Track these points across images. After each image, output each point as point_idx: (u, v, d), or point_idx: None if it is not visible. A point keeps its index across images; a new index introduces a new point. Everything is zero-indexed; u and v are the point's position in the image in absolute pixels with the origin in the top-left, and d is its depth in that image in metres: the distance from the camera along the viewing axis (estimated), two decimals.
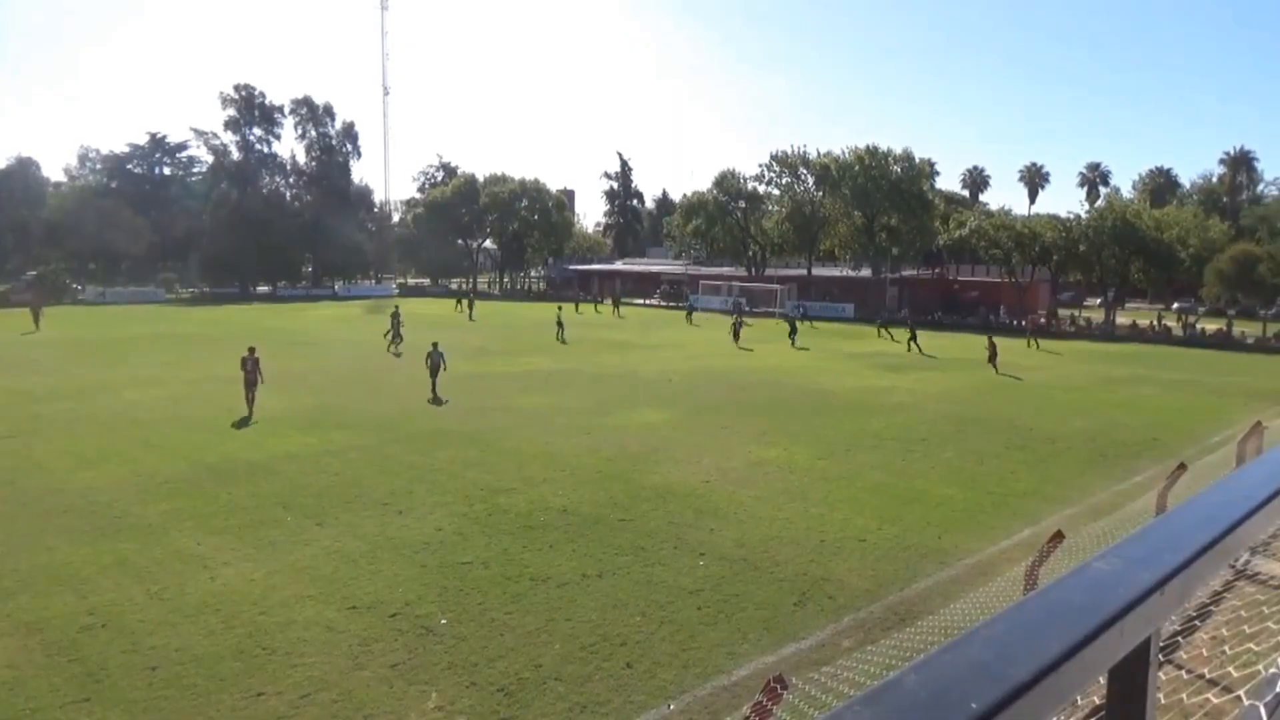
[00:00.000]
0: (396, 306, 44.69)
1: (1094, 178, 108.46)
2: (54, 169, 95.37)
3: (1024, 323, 51.67)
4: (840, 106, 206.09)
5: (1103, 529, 11.39)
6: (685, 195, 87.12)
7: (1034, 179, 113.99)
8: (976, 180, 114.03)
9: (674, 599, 10.44)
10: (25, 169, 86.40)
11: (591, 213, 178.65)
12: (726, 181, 79.65)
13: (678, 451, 18.35)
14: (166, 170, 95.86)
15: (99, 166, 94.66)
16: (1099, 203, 67.85)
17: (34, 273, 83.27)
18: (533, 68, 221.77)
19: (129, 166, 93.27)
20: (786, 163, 75.38)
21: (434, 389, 25.52)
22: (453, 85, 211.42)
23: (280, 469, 16.58)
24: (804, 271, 76.54)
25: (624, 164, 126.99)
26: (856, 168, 69.65)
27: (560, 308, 48.80)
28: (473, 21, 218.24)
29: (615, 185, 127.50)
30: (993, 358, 33.34)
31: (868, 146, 70.47)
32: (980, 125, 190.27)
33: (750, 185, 79.24)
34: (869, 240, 71.53)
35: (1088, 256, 59.73)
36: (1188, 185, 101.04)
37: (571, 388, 27.40)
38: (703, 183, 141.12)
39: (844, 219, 73.48)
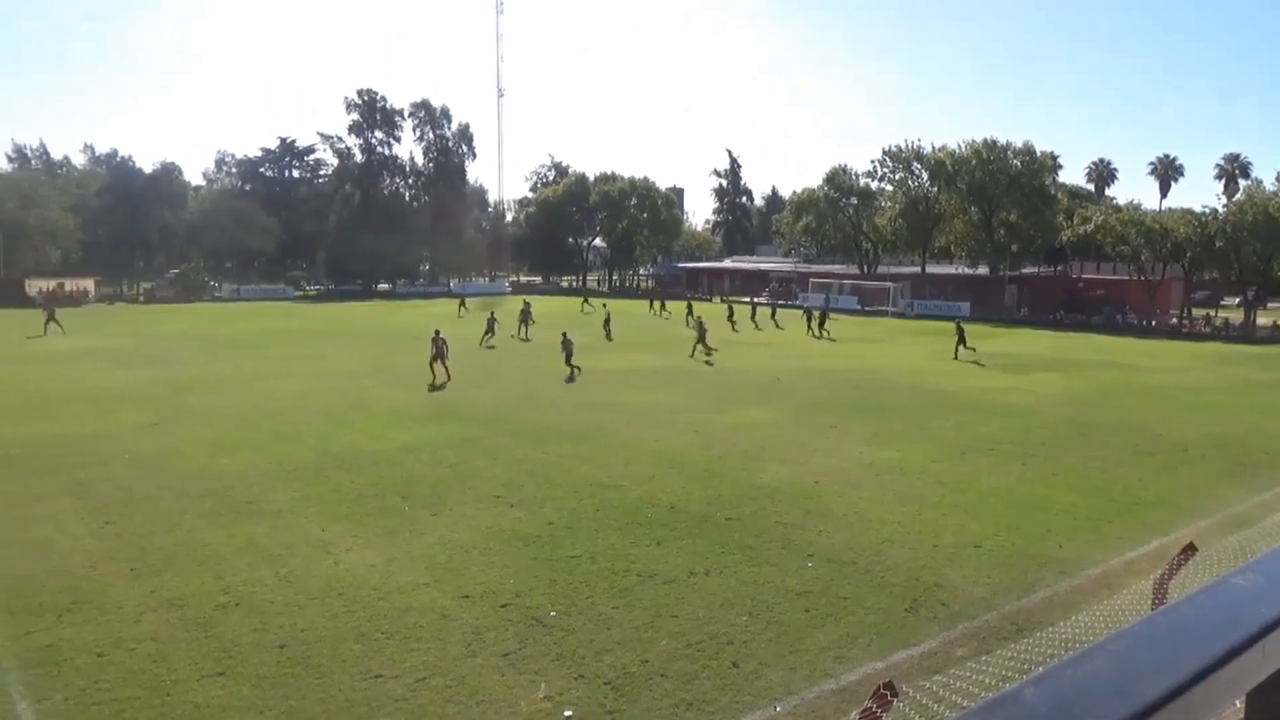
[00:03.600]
0: (492, 311, 46.32)
1: (1233, 170, 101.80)
2: (194, 173, 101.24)
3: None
4: (955, 100, 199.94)
5: (1241, 542, 10.75)
6: (795, 192, 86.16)
7: (1166, 172, 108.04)
8: (1103, 174, 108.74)
9: (781, 600, 10.37)
10: (169, 173, 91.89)
11: (700, 210, 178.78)
12: (838, 178, 78.33)
13: (786, 451, 18.18)
14: (295, 173, 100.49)
15: (234, 170, 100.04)
16: (1238, 196, 63.62)
17: (177, 270, 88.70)
18: (643, 66, 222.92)
19: (261, 170, 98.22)
20: (900, 158, 73.59)
21: (571, 368, 28.74)
22: (565, 85, 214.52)
23: (399, 460, 17.20)
24: (917, 269, 74.62)
25: (733, 161, 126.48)
26: (974, 162, 67.39)
27: (691, 304, 49.17)
28: (584, 22, 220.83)
29: (724, 182, 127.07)
30: None
31: (985, 140, 68.14)
32: (1107, 116, 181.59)
33: (862, 181, 77.73)
34: (986, 237, 69.19)
35: (1225, 253, 56.10)
36: None
37: (679, 385, 27.46)
38: (813, 179, 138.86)
39: (960, 215, 71.28)
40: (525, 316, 44.26)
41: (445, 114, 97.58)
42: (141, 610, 9.97)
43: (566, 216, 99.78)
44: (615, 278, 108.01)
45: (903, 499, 14.72)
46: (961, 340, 35.77)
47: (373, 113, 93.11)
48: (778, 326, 49.70)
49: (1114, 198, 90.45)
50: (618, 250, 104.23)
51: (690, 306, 48.28)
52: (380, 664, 8.72)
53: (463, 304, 60.21)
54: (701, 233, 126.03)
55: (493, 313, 44.60)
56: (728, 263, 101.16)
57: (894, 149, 73.79)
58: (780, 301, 69.18)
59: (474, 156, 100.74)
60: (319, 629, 9.51)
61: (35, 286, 70.31)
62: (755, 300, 56.32)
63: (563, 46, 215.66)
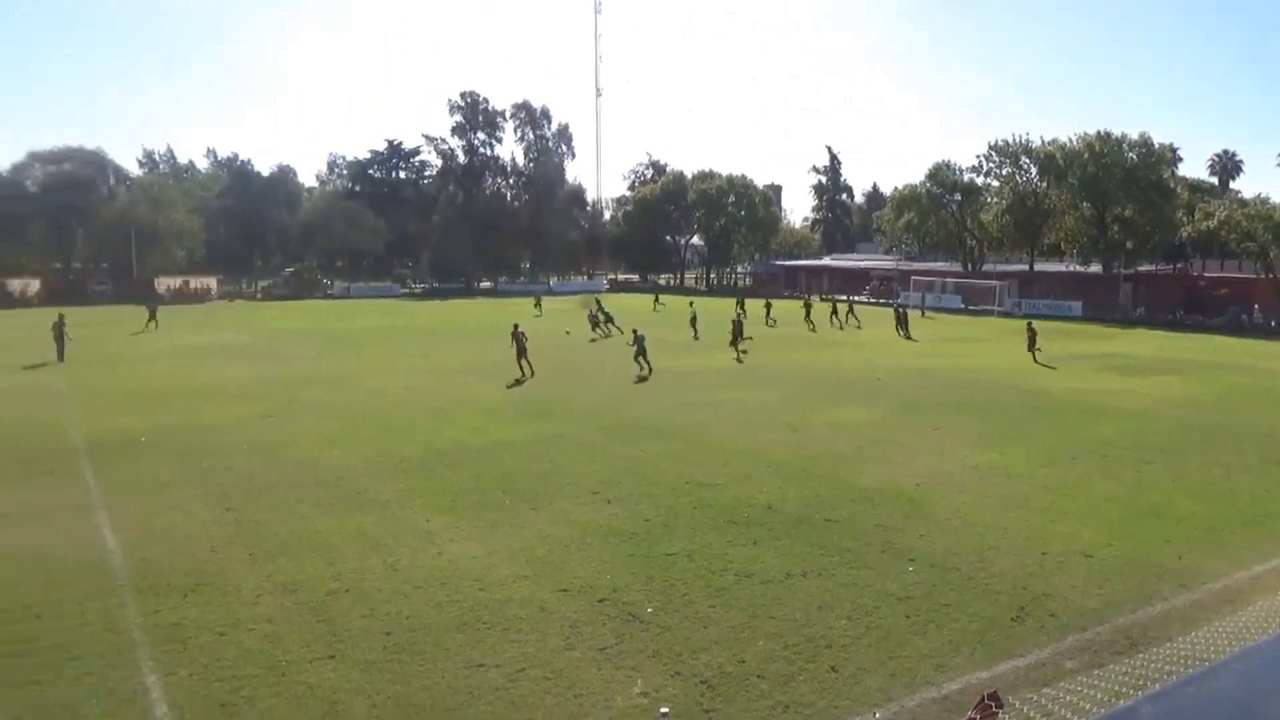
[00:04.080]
0: (597, 301, 47.10)
1: None
2: (308, 175, 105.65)
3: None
4: (1063, 92, 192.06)
5: None
6: (897, 188, 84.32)
7: None
8: (1227, 166, 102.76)
9: (881, 604, 10.20)
10: (285, 176, 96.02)
11: (799, 208, 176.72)
12: (941, 173, 76.26)
13: (886, 452, 17.85)
14: (402, 174, 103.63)
15: (344, 172, 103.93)
16: None
17: (291, 269, 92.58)
18: (741, 63, 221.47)
19: (369, 171, 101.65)
20: (1007, 152, 71.14)
21: (642, 367, 28.32)
22: (663, 84, 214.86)
23: (500, 455, 17.59)
24: (1025, 267, 72.11)
25: (833, 158, 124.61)
26: (1085, 155, 64.52)
27: (769, 303, 48.74)
28: (682, 20, 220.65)
29: (824, 179, 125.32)
30: None
31: (1099, 132, 65.19)
32: (1232, 106, 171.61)
33: (967, 177, 75.48)
34: (1099, 233, 66.34)
35: None
36: None
37: (776, 383, 27.24)
38: (915, 175, 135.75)
39: (1071, 211, 68.49)
40: (595, 320, 44.94)
41: (545, 114, 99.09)
42: (259, 593, 10.48)
43: (664, 215, 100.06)
44: (713, 276, 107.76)
45: (1009, 504, 14.28)
46: (1032, 342, 34.20)
47: (475, 114, 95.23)
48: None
49: (1239, 191, 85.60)
50: (715, 248, 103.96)
51: (741, 303, 47.66)
52: (481, 653, 8.95)
53: (538, 304, 59.67)
54: (800, 230, 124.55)
55: (594, 309, 45.45)
56: (827, 260, 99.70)
57: (1001, 143, 71.44)
58: (874, 300, 67.96)
59: (573, 156, 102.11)
60: (423, 617, 9.81)
61: (163, 284, 74.39)
62: (838, 299, 55.21)
63: (660, 44, 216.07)
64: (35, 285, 72.16)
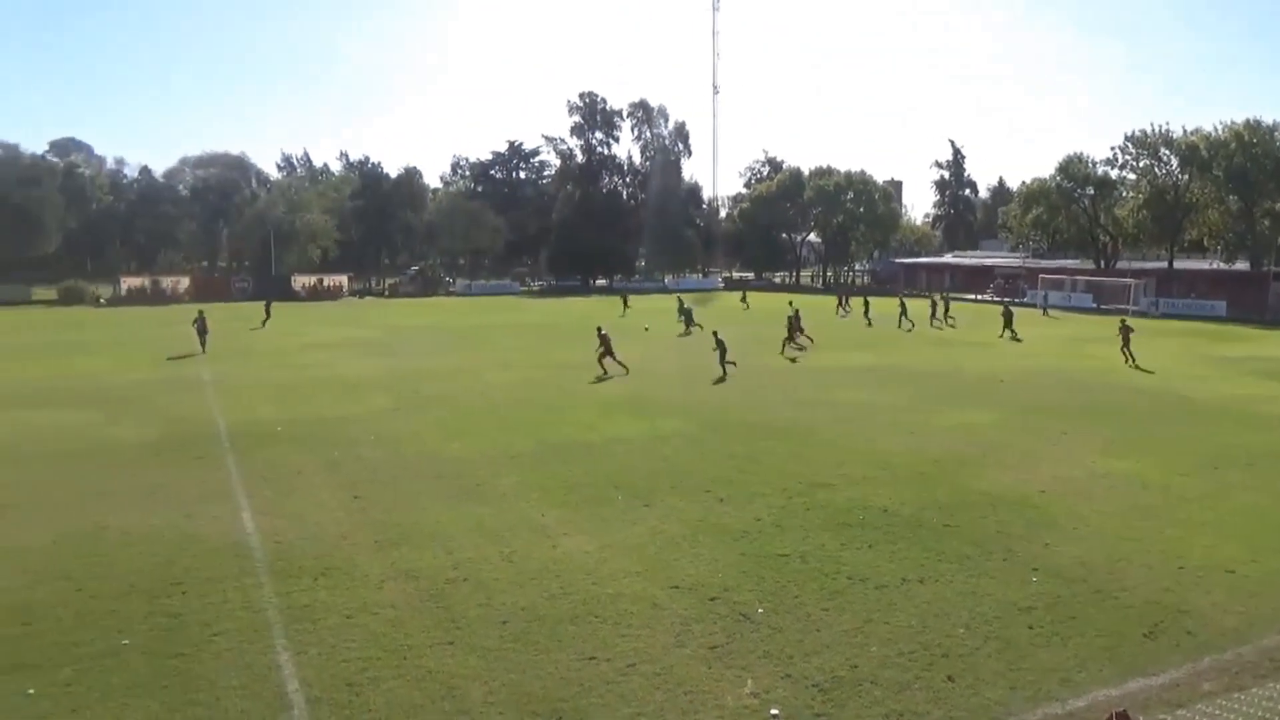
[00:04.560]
0: (680, 299, 47.47)
1: None
2: (432, 176, 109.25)
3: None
4: (1204, 80, 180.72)
5: None
6: (1024, 183, 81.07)
7: None
8: None
9: (1002, 614, 9.85)
10: (411, 178, 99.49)
11: (920, 204, 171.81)
12: (1072, 167, 72.87)
13: (1009, 456, 17.22)
14: (522, 174, 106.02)
15: (467, 173, 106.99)
16: None
17: (416, 267, 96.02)
18: (860, 58, 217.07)
19: (491, 172, 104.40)
20: (1144, 143, 67.40)
21: (724, 370, 27.67)
22: (780, 80, 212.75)
23: (613, 451, 17.79)
24: (1164, 264, 68.19)
25: (956, 152, 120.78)
26: (1233, 145, 60.48)
27: (903, 301, 47.65)
28: (800, 15, 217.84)
29: (946, 174, 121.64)
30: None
31: (1247, 121, 61.05)
32: None
33: (1100, 170, 71.93)
34: (1247, 228, 62.16)
35: None
36: None
37: (893, 384, 26.63)
38: (1044, 169, 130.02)
39: (1215, 204, 64.44)
40: (689, 317, 44.86)
41: (662, 113, 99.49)
42: (383, 579, 10.92)
43: (780, 212, 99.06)
44: (829, 273, 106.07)
45: (1142, 514, 13.56)
46: (1126, 341, 32.01)
47: (593, 114, 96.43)
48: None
49: None
50: (832, 246, 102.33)
51: (840, 298, 46.65)
52: (593, 646, 9.08)
53: (625, 302, 58.09)
54: (921, 227, 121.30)
55: (681, 299, 45.83)
56: (948, 258, 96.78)
57: (1138, 134, 67.75)
58: (998, 299, 65.43)
59: (689, 154, 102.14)
60: (538, 608, 10.03)
61: (299, 282, 78.25)
62: (935, 296, 53.37)
63: (778, 41, 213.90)
64: (185, 283, 76.95)
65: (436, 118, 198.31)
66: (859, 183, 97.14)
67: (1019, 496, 14.42)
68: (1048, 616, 9.79)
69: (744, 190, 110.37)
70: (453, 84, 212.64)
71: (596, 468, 16.40)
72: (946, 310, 49.41)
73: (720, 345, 28.20)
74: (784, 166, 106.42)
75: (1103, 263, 73.17)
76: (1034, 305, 61.15)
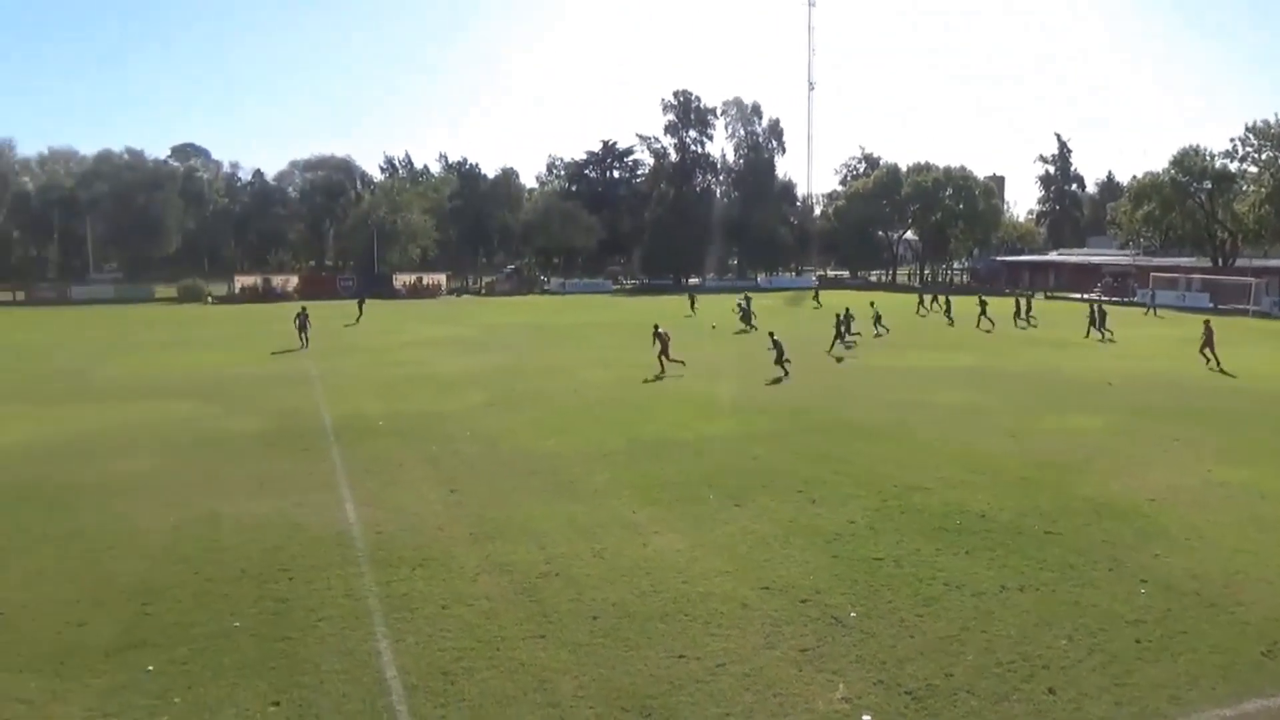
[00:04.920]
0: (746, 298, 49.09)
1: None
2: (529, 176, 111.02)
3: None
4: None
5: None
6: (1135, 177, 77.52)
7: None
8: None
9: (1107, 626, 9.47)
10: (508, 178, 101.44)
11: (1023, 200, 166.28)
12: (1187, 160, 69.36)
13: (1116, 463, 16.52)
14: (616, 173, 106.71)
15: (562, 173, 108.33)
16: None
17: (512, 266, 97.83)
18: (960, 50, 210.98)
19: (585, 171, 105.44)
20: (1267, 134, 63.72)
21: (784, 371, 27.24)
22: (877, 75, 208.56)
23: (705, 449, 17.78)
24: None
25: (1062, 145, 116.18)
26: None
27: (982, 300, 46.35)
28: (897, 8, 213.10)
29: (1051, 169, 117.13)
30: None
31: None
32: None
33: (1219, 163, 68.24)
34: None
35: None
36: None
37: (994, 386, 25.86)
38: (1157, 162, 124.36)
39: None
40: (746, 311, 45.05)
41: (756, 110, 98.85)
42: (478, 572, 11.17)
43: (876, 209, 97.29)
44: (926, 272, 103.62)
45: (1260, 525, 12.84)
46: (1207, 342, 30.35)
47: (687, 112, 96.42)
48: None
49: None
50: (930, 244, 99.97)
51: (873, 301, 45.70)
52: (683, 645, 9.10)
53: (693, 303, 56.64)
54: (1024, 224, 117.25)
55: (741, 303, 45.95)
56: (1053, 255, 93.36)
57: (1260, 124, 64.08)
58: (1115, 299, 62.80)
59: (783, 151, 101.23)
60: (628, 605, 10.10)
61: (400, 281, 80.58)
62: (1020, 295, 51.43)
63: (875, 35, 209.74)
64: (294, 281, 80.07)
65: (533, 118, 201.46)
66: (958, 179, 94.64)
67: (1127, 504, 13.83)
68: (1157, 630, 9.37)
69: (839, 187, 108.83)
70: (549, 85, 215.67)
71: (688, 466, 16.42)
72: (1029, 309, 47.71)
73: (777, 346, 27.83)
74: (881, 163, 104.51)
75: (1220, 260, 69.47)
76: (1142, 305, 58.48)
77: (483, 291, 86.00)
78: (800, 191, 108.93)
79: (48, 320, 55.94)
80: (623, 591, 10.49)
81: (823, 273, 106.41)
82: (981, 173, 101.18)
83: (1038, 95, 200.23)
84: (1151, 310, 55.05)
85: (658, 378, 27.25)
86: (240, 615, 9.84)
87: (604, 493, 14.72)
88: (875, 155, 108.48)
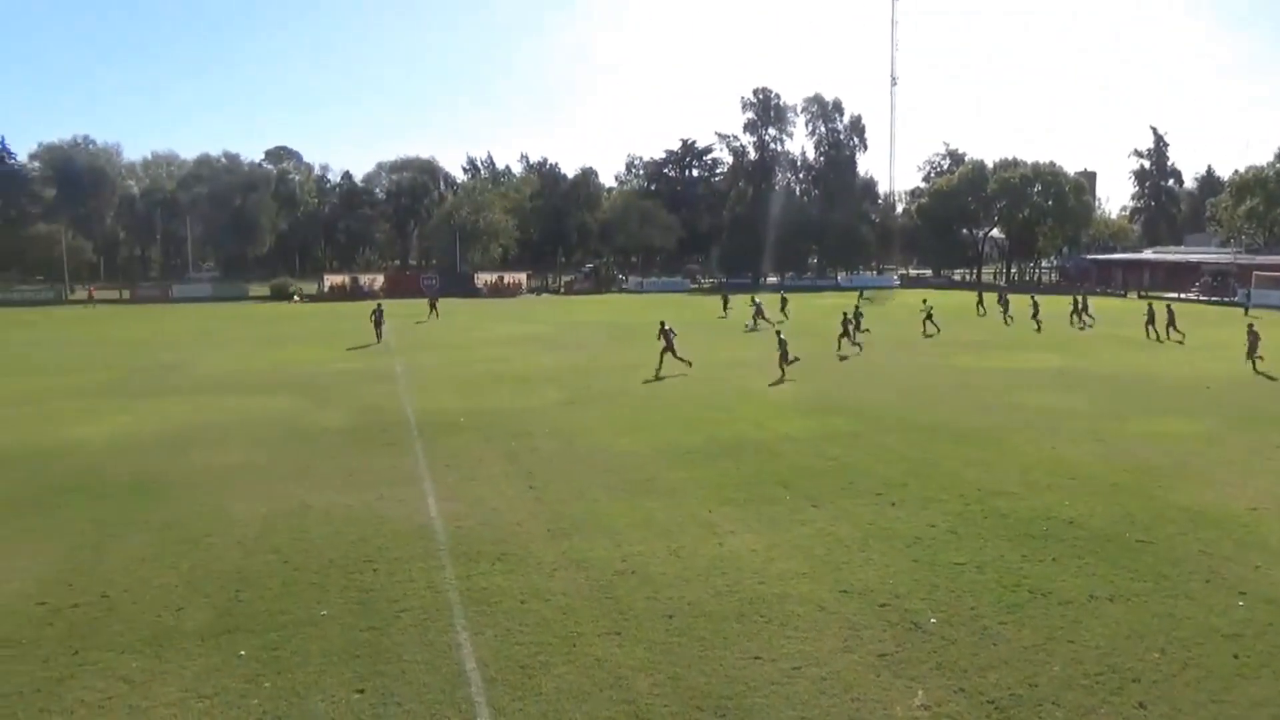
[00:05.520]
0: (783, 295, 49.46)
1: None
2: (607, 176, 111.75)
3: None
4: None
5: None
6: (1237, 172, 74.43)
7: None
8: None
9: (1203, 640, 9.09)
10: (587, 178, 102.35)
11: (1116, 196, 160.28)
12: None
13: (1214, 470, 15.82)
14: (694, 172, 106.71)
15: (641, 172, 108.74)
16: None
17: (591, 265, 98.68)
18: (1049, 43, 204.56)
19: (664, 170, 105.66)
20: None
21: (783, 373, 26.87)
22: (962, 69, 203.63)
23: (782, 449, 17.65)
24: None
25: (1158, 139, 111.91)
26: None
27: (1035, 300, 45.19)
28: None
29: (1146, 164, 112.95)
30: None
31: None
32: None
33: None
34: None
35: None
36: None
37: (1082, 388, 25.03)
38: (1262, 155, 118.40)
39: None
40: (780, 308, 45.15)
41: (837, 107, 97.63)
42: (555, 568, 11.30)
43: (961, 206, 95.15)
44: (1013, 270, 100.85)
45: None
46: (1253, 347, 28.79)
47: (767, 110, 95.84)
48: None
49: None
50: (1017, 241, 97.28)
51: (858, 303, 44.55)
52: (759, 646, 9.06)
53: (725, 303, 55.36)
54: (1116, 221, 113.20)
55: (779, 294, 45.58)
56: (1147, 254, 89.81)
57: None
58: (1205, 299, 60.08)
59: (865, 148, 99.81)
60: (704, 604, 10.10)
61: (481, 280, 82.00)
62: (1078, 294, 49.51)
63: (961, 28, 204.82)
64: (379, 280, 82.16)
65: (613, 118, 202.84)
66: (1047, 174, 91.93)
67: (1225, 514, 13.25)
68: (1257, 645, 8.96)
69: (922, 184, 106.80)
70: (629, 84, 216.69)
71: (765, 466, 16.32)
72: (1086, 308, 46.07)
73: (781, 345, 27.64)
74: (966, 159, 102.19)
75: None
76: (1241, 304, 55.87)
77: (561, 290, 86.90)
78: (882, 189, 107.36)
79: (150, 317, 58.68)
80: (698, 590, 10.49)
81: (904, 271, 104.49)
82: (1071, 168, 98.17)
83: (1130, 86, 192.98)
84: (1246, 310, 52.62)
85: (658, 377, 27.15)
86: (327, 604, 10.16)
87: (680, 491, 14.73)
88: (960, 151, 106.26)
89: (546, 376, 27.98)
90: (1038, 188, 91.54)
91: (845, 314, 36.65)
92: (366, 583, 10.80)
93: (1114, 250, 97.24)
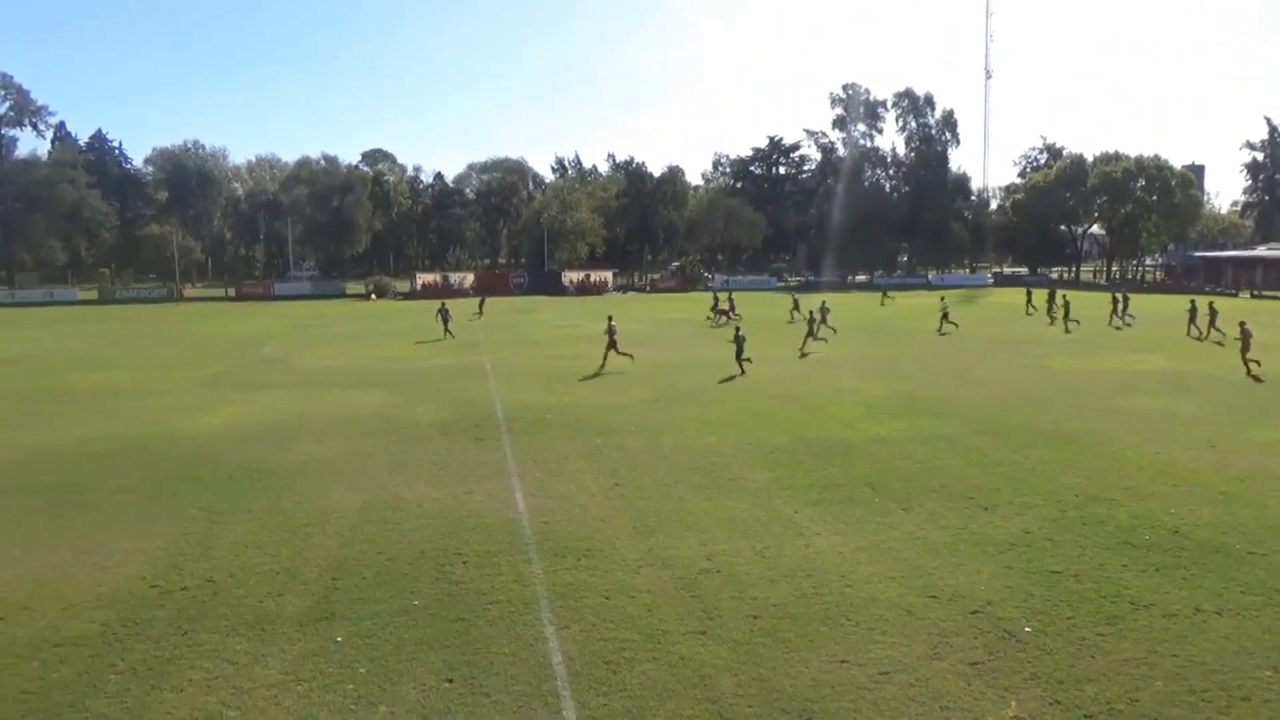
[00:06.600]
0: (729, 296, 50.35)
1: None
2: (694, 174, 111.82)
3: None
4: None
5: None
6: None
7: None
8: None
9: None
10: (673, 176, 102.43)
11: (1227, 191, 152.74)
12: None
13: None
14: (781, 170, 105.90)
15: (727, 170, 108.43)
16: None
17: (676, 264, 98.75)
18: (1152, 30, 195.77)
19: (751, 168, 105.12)
20: None
21: (740, 368, 27.65)
22: (1060, 61, 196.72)
23: (870, 451, 17.37)
24: None
25: (1272, 130, 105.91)
26: None
27: (1065, 300, 43.67)
28: None
29: (1260, 156, 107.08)
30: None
31: None
32: None
33: None
34: None
35: None
36: None
37: (1193, 392, 23.92)
38: None
39: None
40: (822, 314, 43.48)
41: (929, 101, 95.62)
42: (640, 564, 11.36)
43: (1058, 202, 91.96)
44: (1115, 268, 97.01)
45: None
46: (1246, 347, 27.36)
47: (856, 106, 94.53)
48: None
49: None
50: (1119, 238, 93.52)
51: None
52: (845, 650, 8.95)
53: (730, 305, 52.26)
54: (1227, 216, 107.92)
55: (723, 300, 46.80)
56: (1261, 250, 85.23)
57: None
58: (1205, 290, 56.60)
59: (957, 143, 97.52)
60: (789, 606, 10.02)
61: (568, 278, 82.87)
62: (1117, 292, 47.22)
63: (1058, 18, 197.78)
64: (470, 278, 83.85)
65: (699, 116, 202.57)
66: (1151, 168, 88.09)
67: None
68: None
69: (1018, 180, 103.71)
70: (716, 82, 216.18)
71: (853, 467, 16.10)
72: (1125, 307, 43.84)
73: (738, 341, 28.19)
74: (1064, 153, 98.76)
75: None
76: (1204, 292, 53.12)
77: (647, 288, 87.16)
78: (975, 184, 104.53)
79: (254, 314, 61.18)
80: (784, 592, 10.42)
81: (998, 269, 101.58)
82: (1177, 161, 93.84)
83: (1241, 75, 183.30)
84: None
85: (598, 373, 28.17)
86: (419, 594, 10.43)
87: (765, 491, 14.64)
88: (1057, 145, 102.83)
89: (632, 374, 28.11)
90: (1141, 182, 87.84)
91: (811, 312, 37.87)
92: (457, 574, 11.05)
93: (1224, 247, 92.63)
